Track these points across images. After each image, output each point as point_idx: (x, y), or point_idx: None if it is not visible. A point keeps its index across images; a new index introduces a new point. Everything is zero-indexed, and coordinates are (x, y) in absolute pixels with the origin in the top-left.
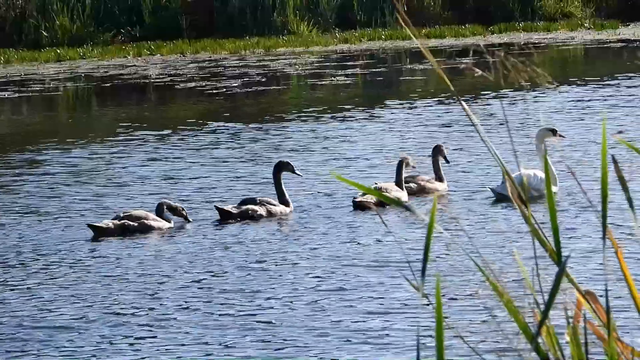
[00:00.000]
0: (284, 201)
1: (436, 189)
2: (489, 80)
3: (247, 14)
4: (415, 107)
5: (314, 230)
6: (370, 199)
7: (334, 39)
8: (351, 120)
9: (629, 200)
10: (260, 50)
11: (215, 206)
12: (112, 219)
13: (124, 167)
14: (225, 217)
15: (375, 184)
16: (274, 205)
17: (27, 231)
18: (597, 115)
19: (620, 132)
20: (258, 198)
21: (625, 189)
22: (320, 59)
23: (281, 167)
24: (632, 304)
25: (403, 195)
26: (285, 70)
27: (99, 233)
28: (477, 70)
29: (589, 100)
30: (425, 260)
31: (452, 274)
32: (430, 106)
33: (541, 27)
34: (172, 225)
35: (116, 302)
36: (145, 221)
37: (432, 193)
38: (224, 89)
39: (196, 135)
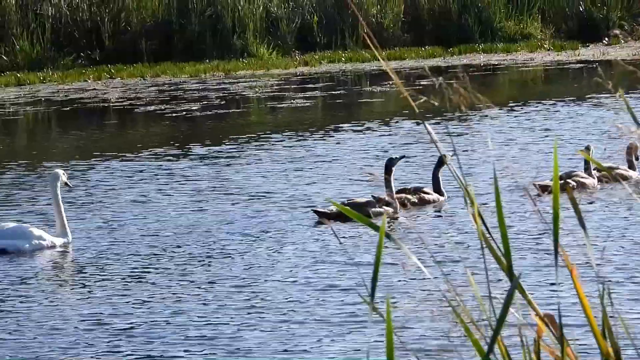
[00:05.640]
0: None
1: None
2: (446, 102)
3: (206, 37)
4: (376, 128)
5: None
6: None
7: (294, 62)
8: (311, 142)
9: (580, 220)
10: (220, 73)
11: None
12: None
13: (83, 190)
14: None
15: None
16: (428, 193)
17: None
18: (554, 135)
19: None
20: (412, 187)
21: (576, 209)
22: (280, 82)
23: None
24: (587, 323)
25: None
26: (244, 93)
27: (324, 218)
28: (421, 96)
29: (547, 121)
30: (374, 280)
31: (415, 291)
32: (391, 127)
33: (501, 49)
34: (390, 211)
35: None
36: (366, 208)
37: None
38: (184, 112)
39: (155, 159)
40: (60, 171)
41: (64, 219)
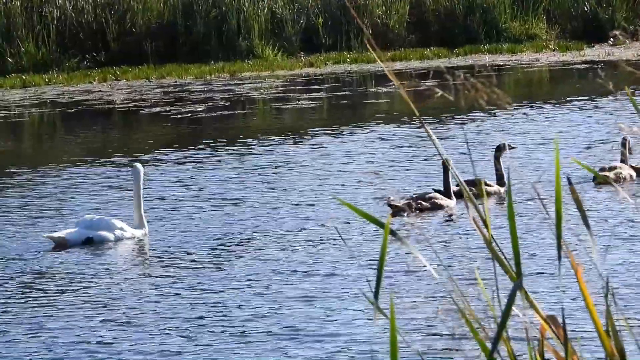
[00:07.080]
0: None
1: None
2: (453, 102)
3: (212, 38)
4: (380, 129)
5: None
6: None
7: (299, 63)
8: (317, 143)
9: (585, 220)
10: (225, 74)
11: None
12: (407, 198)
13: (87, 192)
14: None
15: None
16: (490, 185)
17: None
18: (558, 135)
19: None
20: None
21: (580, 209)
22: (285, 83)
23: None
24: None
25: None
26: (250, 94)
27: (395, 211)
28: (438, 90)
29: (551, 121)
30: (379, 280)
31: (419, 290)
32: (396, 128)
33: (506, 49)
34: (452, 204)
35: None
36: (436, 200)
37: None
38: (189, 114)
39: (160, 161)
40: (140, 166)
41: (142, 212)
